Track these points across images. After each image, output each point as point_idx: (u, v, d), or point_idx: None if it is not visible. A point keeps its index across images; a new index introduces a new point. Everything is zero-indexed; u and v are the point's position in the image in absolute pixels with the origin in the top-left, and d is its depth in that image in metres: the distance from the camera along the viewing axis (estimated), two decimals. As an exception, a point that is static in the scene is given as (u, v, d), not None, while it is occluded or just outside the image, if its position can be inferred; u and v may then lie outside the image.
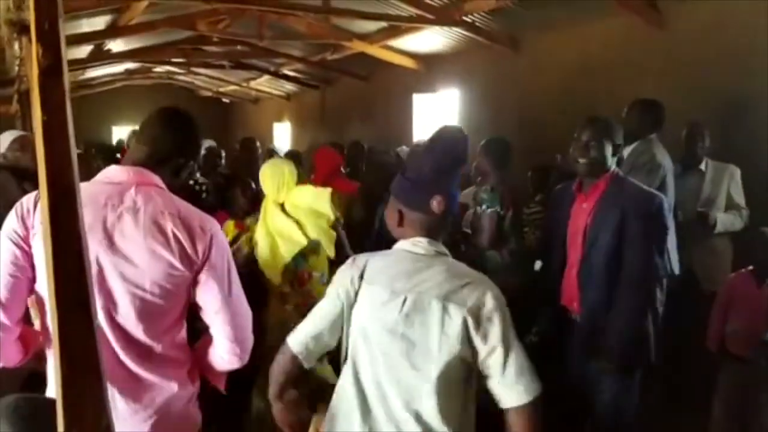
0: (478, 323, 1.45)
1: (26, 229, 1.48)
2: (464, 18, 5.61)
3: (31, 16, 0.82)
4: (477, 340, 1.46)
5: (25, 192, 3.26)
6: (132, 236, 1.48)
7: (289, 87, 11.48)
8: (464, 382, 1.51)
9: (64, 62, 0.79)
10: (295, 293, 2.84)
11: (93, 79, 10.46)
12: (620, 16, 4.57)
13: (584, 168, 2.45)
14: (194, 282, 1.56)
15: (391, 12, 5.97)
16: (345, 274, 1.61)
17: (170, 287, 1.51)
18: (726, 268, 3.39)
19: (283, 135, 12.38)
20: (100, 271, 1.47)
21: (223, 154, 5.61)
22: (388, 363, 1.50)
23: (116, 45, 8.09)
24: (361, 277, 1.57)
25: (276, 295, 2.85)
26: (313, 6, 5.51)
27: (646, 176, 3.08)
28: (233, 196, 3.54)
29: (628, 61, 4.68)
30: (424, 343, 1.47)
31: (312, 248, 2.83)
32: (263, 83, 11.57)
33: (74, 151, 0.77)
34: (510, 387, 1.46)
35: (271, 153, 6.24)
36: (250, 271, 2.75)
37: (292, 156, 5.15)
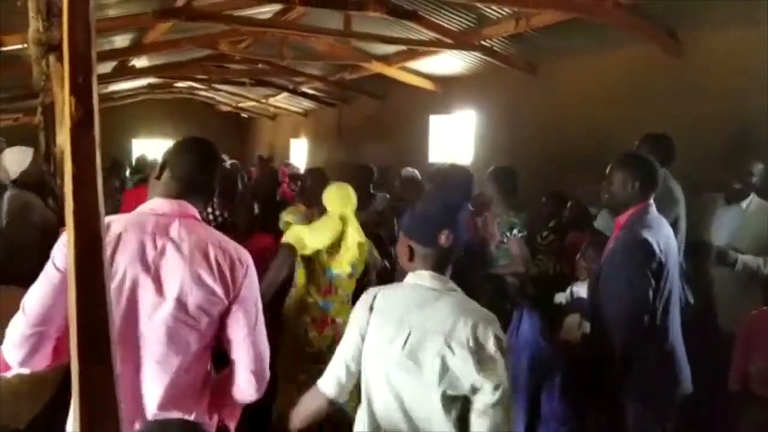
0: (479, 361, 1.47)
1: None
2: (482, 42, 5.64)
3: (63, 38, 0.84)
4: (474, 377, 1.48)
5: (49, 208, 3.33)
6: (177, 263, 1.54)
7: (307, 104, 11.58)
8: (464, 412, 1.53)
9: (96, 115, 0.82)
10: (324, 277, 3.03)
11: (115, 92, 10.61)
12: (638, 44, 4.57)
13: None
14: (225, 312, 1.60)
15: (411, 36, 6.02)
16: (359, 308, 1.67)
17: (208, 312, 1.57)
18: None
19: (299, 151, 12.47)
20: (141, 296, 1.52)
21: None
22: (395, 393, 1.55)
23: (140, 61, 8.22)
24: (371, 309, 1.62)
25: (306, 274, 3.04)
26: (335, 30, 5.57)
27: (660, 211, 3.07)
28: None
29: (646, 90, 4.66)
30: (427, 377, 1.51)
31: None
32: (282, 100, 11.68)
33: (101, 202, 0.80)
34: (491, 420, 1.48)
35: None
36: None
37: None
